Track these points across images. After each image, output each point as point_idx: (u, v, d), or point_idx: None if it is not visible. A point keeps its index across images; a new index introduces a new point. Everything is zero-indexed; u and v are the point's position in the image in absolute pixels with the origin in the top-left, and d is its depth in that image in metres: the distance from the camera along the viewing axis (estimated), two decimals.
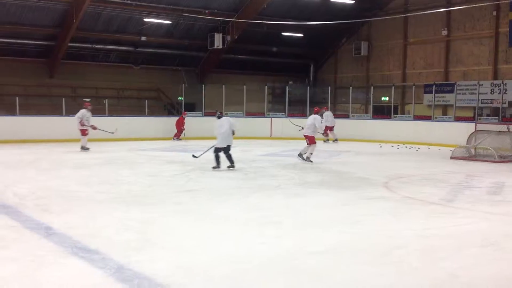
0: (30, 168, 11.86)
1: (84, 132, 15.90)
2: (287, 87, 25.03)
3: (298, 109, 25.21)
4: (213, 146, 12.02)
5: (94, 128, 16.06)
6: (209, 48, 25.16)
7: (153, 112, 23.60)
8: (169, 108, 26.42)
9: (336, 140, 20.66)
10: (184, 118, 21.40)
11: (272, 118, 23.41)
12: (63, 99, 20.80)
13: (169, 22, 23.84)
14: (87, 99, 17.99)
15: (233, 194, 8.86)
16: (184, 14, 22.99)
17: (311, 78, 29.95)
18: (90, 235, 5.83)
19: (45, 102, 23.02)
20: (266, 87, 24.53)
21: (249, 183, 10.14)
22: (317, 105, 25.22)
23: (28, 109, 20.76)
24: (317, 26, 23.79)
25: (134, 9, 22.32)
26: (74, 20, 20.91)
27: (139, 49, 25.15)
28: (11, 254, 5.05)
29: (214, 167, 11.64)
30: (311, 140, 13.44)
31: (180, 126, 21.32)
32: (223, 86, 23.56)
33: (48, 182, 9.75)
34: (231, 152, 11.83)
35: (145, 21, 23.37)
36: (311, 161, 13.18)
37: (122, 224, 6.41)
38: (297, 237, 5.99)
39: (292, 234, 6.17)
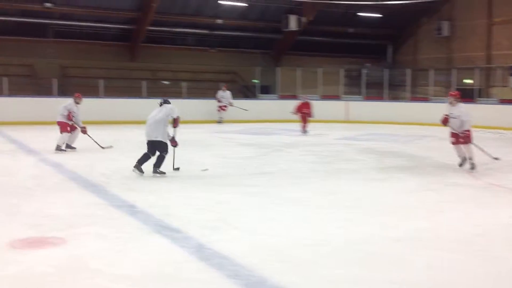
0: (114, 148, 12.33)
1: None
2: (363, 69, 24.52)
3: (375, 92, 24.64)
4: None
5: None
6: (283, 30, 25.05)
7: None
8: (245, 91, 26.63)
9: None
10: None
11: (349, 102, 23.01)
12: (143, 82, 21.47)
13: (245, 4, 23.91)
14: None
15: (309, 177, 8.81)
16: None
17: (389, 60, 29.14)
18: (171, 214, 6.01)
19: (126, 84, 23.85)
20: (342, 69, 24.14)
21: (326, 166, 10.06)
22: (395, 88, 24.39)
23: (110, 92, 21.61)
24: (396, 5, 23.04)
25: None
26: (152, 4, 21.42)
27: (215, 32, 25.44)
28: (100, 230, 5.30)
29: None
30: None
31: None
32: (298, 68, 23.41)
33: (131, 163, 10.10)
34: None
35: (220, 3, 23.57)
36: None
37: (200, 205, 6.56)
38: (375, 223, 5.88)
39: (370, 219, 6.06)
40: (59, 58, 22.83)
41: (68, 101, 12.01)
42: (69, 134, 11.63)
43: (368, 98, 23.30)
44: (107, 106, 20.02)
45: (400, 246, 5.03)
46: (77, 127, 11.78)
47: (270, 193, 7.40)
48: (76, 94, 12.27)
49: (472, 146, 9.56)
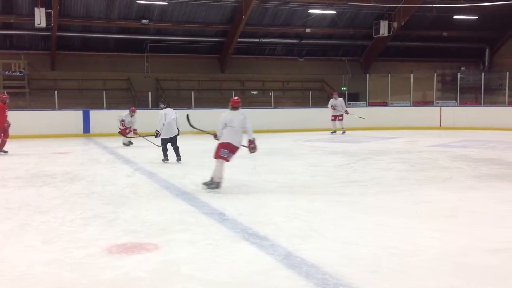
0: (205, 157, 12.66)
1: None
2: (458, 73, 23.57)
3: (471, 97, 23.58)
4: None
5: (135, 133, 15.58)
6: (374, 36, 24.66)
7: (317, 103, 23.81)
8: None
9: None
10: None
11: (442, 107, 22.18)
12: (233, 92, 21.95)
13: (334, 12, 23.82)
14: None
15: (400, 185, 8.57)
16: (349, 3, 22.79)
17: (486, 63, 27.79)
18: (259, 222, 6.07)
19: (216, 95, 24.53)
20: (435, 74, 23.36)
21: (417, 174, 9.73)
22: (493, 93, 23.22)
23: (201, 103, 22.29)
24: (494, 6, 21.95)
25: (299, 2, 22.72)
26: (243, 16, 21.89)
27: (303, 41, 25.53)
28: (190, 237, 5.46)
29: (163, 160, 11.61)
30: None
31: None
32: (389, 74, 22.95)
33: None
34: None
35: (310, 13, 23.64)
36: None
37: (288, 213, 6.58)
38: (471, 233, 5.61)
39: (465, 229, 5.79)
40: (154, 71, 23.92)
41: (125, 113, 15.49)
42: (128, 135, 15.36)
43: (464, 103, 22.33)
44: (199, 116, 20.55)
45: (497, 258, 4.76)
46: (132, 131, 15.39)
47: (359, 202, 7.27)
48: (131, 109, 15.68)
49: None
